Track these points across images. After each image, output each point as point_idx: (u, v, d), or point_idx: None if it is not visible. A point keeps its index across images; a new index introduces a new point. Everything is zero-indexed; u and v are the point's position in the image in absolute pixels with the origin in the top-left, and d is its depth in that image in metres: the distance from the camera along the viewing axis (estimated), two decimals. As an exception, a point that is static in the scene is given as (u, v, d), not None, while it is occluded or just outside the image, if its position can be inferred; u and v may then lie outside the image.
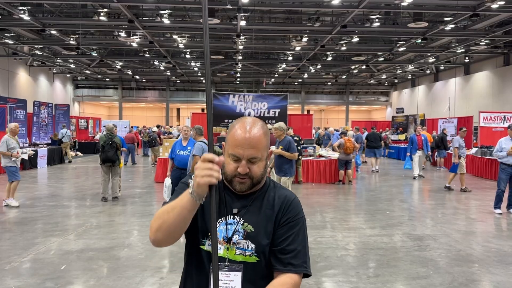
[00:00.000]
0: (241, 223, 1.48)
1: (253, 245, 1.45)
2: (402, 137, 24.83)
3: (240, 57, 26.14)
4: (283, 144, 7.32)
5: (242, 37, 20.15)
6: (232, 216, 1.49)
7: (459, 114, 24.67)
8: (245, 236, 1.46)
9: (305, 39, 20.14)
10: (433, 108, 31.50)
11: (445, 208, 9.13)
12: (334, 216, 8.13)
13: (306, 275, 1.47)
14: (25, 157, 9.09)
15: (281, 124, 7.56)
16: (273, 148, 6.95)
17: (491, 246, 6.14)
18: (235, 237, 1.46)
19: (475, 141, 17.73)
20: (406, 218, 8.05)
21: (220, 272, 1.41)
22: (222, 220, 1.48)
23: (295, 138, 12.51)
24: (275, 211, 1.50)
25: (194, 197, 1.31)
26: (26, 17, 16.30)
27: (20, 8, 16.05)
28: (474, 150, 15.77)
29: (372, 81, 37.45)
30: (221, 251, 1.45)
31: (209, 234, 1.43)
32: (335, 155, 13.25)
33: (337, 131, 19.36)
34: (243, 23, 17.40)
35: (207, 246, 1.45)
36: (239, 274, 1.43)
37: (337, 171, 12.81)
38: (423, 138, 13.92)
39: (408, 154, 13.85)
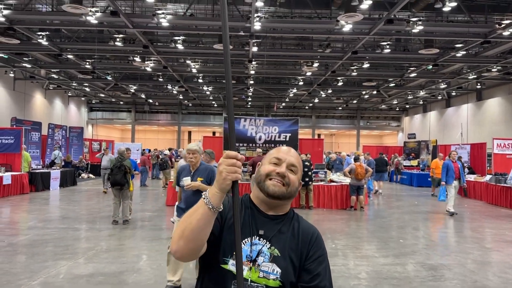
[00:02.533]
0: (268, 246, 1.46)
1: (279, 270, 1.44)
2: (414, 162, 24.58)
3: (252, 82, 26.43)
4: (202, 174, 4.93)
5: (254, 62, 20.44)
6: (258, 237, 1.48)
7: (472, 140, 24.43)
8: (271, 260, 1.45)
9: (316, 64, 20.35)
10: (445, 134, 31.27)
11: (460, 237, 8.94)
12: (346, 244, 8.00)
13: None
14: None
15: (194, 145, 5.13)
16: (186, 180, 4.82)
17: (508, 277, 5.97)
18: (260, 259, 1.45)
19: (489, 168, 17.47)
20: (420, 246, 7.89)
21: None
22: (247, 241, 1.47)
23: (306, 163, 12.46)
24: (302, 243, 1.50)
25: (211, 206, 1.31)
26: (44, 42, 16.78)
27: (39, 33, 16.56)
28: (488, 177, 15.53)
29: (383, 106, 37.47)
30: (244, 271, 1.42)
31: (233, 253, 1.38)
32: (347, 180, 13.14)
33: (348, 156, 19.25)
34: (255, 49, 17.68)
35: (230, 266, 1.42)
36: None
37: (349, 196, 12.68)
38: (459, 165, 11.95)
39: (443, 184, 11.69)
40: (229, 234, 1.45)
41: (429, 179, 18.21)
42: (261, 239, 1.48)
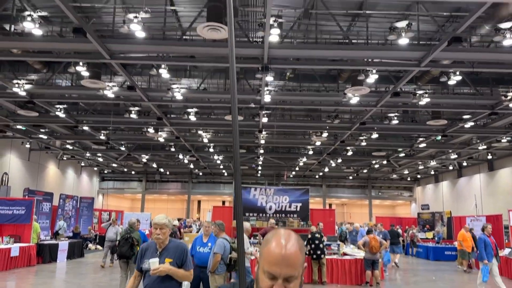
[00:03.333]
0: None
1: None
2: (429, 235, 23.86)
3: (262, 151, 26.71)
4: (172, 254, 3.99)
5: (264, 133, 20.80)
6: None
7: (487, 212, 23.83)
8: None
9: (325, 134, 20.60)
10: (459, 205, 30.64)
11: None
12: (361, 323, 7.57)
13: None
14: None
15: (163, 217, 4.07)
16: (154, 262, 3.79)
17: None
18: None
19: (507, 241, 16.86)
20: (441, 327, 7.43)
21: None
22: None
23: (316, 235, 12.12)
24: None
25: None
26: (61, 114, 17.39)
27: (57, 106, 17.23)
28: (507, 251, 14.93)
29: (394, 176, 37.23)
30: None
31: None
32: (361, 254, 12.71)
33: (361, 227, 18.82)
34: (265, 119, 18.09)
35: None
36: None
37: (363, 271, 12.18)
38: (494, 241, 10.98)
39: (486, 262, 10.50)
40: None
41: (455, 252, 17.67)
42: None
